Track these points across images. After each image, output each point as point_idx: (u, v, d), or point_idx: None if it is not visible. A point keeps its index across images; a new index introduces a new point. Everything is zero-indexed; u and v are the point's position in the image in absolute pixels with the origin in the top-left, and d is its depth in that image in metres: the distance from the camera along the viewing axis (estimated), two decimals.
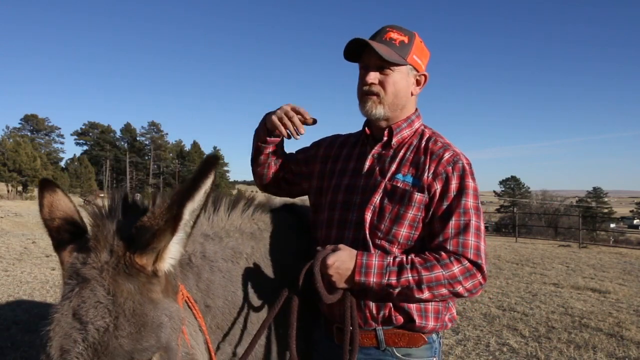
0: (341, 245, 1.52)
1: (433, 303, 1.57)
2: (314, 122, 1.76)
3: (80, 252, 1.16)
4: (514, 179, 74.74)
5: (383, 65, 1.58)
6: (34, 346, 4.49)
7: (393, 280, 1.45)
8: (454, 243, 1.48)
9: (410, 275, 1.45)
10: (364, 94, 1.63)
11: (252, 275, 1.61)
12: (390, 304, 1.54)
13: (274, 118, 1.69)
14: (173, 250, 1.17)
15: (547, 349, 4.93)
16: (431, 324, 1.56)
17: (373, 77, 1.60)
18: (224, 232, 1.60)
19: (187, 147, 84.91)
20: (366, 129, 1.74)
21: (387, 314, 1.54)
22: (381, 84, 1.61)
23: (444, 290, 1.46)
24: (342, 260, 1.48)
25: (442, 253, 1.48)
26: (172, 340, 1.17)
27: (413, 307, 1.54)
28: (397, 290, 1.47)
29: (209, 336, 1.39)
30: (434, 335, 1.61)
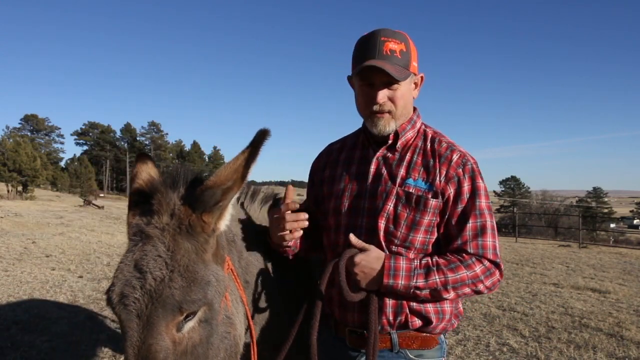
0: (372, 247, 1.52)
1: (449, 304, 1.58)
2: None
3: (145, 215, 1.31)
4: (514, 179, 74.72)
5: (390, 81, 1.53)
6: (34, 346, 4.49)
7: (421, 282, 1.46)
8: (474, 245, 1.51)
9: (437, 277, 1.46)
10: (375, 113, 1.58)
11: (276, 267, 1.78)
12: (407, 310, 1.55)
13: (278, 240, 1.62)
14: (229, 211, 1.36)
15: (547, 349, 4.92)
16: (442, 324, 1.58)
17: (383, 96, 1.55)
18: (257, 221, 1.78)
19: (187, 147, 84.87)
20: (366, 132, 1.69)
21: (403, 319, 1.55)
22: (391, 99, 1.56)
23: (467, 290, 1.50)
24: (368, 260, 1.48)
25: (464, 255, 1.51)
26: (216, 302, 1.31)
27: (431, 310, 1.55)
28: (423, 292, 1.48)
29: (248, 308, 1.52)
30: (442, 336, 1.63)
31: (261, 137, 1.30)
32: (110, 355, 4.41)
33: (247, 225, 1.71)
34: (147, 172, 1.44)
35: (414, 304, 1.55)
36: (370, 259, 1.48)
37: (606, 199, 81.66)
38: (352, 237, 1.52)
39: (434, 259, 1.51)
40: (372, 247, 1.51)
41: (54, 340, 4.64)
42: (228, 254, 1.48)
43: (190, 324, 1.25)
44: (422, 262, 1.50)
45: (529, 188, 74.23)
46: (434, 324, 1.55)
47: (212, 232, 1.32)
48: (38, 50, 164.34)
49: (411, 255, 1.55)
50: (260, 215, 1.81)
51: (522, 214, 41.07)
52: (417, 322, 1.55)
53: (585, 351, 4.86)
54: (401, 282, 1.46)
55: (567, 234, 29.93)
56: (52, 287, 6.94)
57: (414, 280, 1.46)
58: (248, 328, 1.53)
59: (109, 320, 5.41)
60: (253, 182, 1.88)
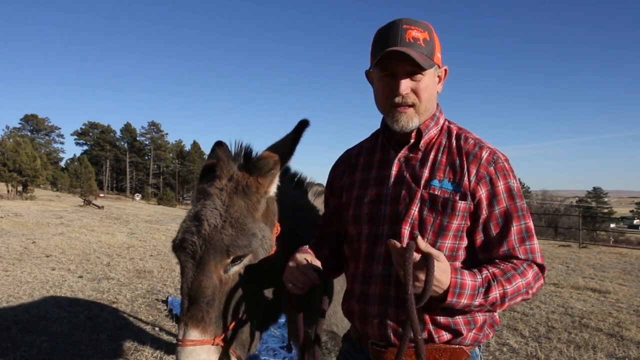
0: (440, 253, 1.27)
1: (481, 313, 1.44)
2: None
3: (209, 180, 1.59)
4: None
5: (414, 71, 1.40)
6: (34, 346, 4.49)
7: (481, 300, 1.30)
8: (523, 250, 1.39)
9: (497, 291, 1.31)
10: (396, 106, 1.43)
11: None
12: (430, 325, 1.40)
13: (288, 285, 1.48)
14: (277, 180, 1.64)
15: (547, 349, 4.92)
16: (473, 334, 1.44)
17: (406, 86, 1.41)
18: (305, 206, 2.00)
19: (187, 147, 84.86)
20: (386, 133, 1.56)
21: (426, 335, 1.40)
22: (414, 91, 1.43)
23: (519, 299, 1.36)
24: (445, 268, 1.24)
25: (515, 261, 1.37)
26: (261, 254, 1.54)
27: (461, 321, 1.41)
28: (478, 308, 1.32)
29: None
30: (477, 349, 1.48)
31: (302, 124, 1.60)
32: (110, 355, 4.41)
33: (300, 207, 1.94)
34: (218, 152, 1.72)
35: (441, 318, 1.39)
36: (446, 267, 1.24)
37: (606, 199, 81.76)
38: (420, 240, 1.22)
39: (490, 271, 1.34)
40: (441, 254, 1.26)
41: (54, 340, 4.64)
42: (279, 222, 1.69)
43: (236, 268, 1.47)
44: (484, 276, 1.32)
45: (529, 188, 74.35)
46: (464, 334, 1.41)
47: (264, 194, 1.58)
48: (38, 50, 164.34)
49: None
50: (303, 200, 2.03)
51: None
52: (445, 336, 1.41)
53: (585, 351, 4.86)
54: (464, 301, 1.28)
55: (567, 234, 29.95)
56: (52, 287, 6.94)
57: (476, 300, 1.29)
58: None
59: (109, 319, 5.41)
60: (319, 185, 2.19)
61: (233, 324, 1.47)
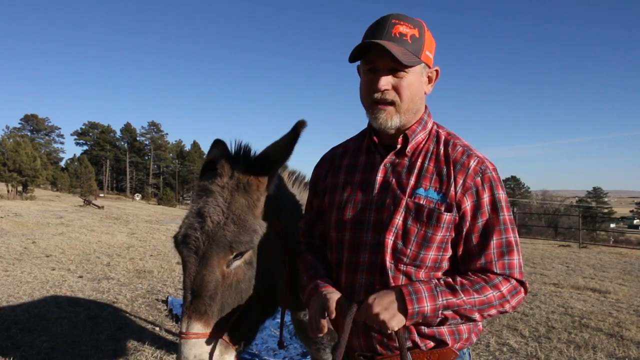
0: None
1: (465, 324, 1.44)
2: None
3: (210, 178, 1.62)
4: (514, 179, 74.96)
5: (396, 67, 1.36)
6: (34, 346, 4.49)
7: (450, 299, 1.30)
8: (500, 265, 1.37)
9: (463, 296, 1.31)
10: (376, 103, 1.40)
11: None
12: (416, 335, 1.39)
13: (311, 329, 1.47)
14: (275, 179, 1.67)
15: (547, 349, 4.92)
16: (459, 344, 1.45)
17: (385, 82, 1.37)
18: (303, 204, 2.01)
19: (187, 147, 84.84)
20: (373, 135, 1.52)
21: (411, 344, 1.40)
22: (395, 89, 1.39)
23: (493, 311, 1.37)
24: (381, 295, 1.32)
25: (489, 275, 1.37)
26: (261, 250, 1.57)
27: (445, 331, 1.41)
28: (452, 312, 1.32)
29: (287, 270, 1.73)
30: (465, 349, 1.49)
31: (300, 125, 1.61)
32: (110, 355, 4.41)
33: (298, 205, 1.98)
34: (217, 150, 1.76)
35: (425, 329, 1.38)
36: (381, 294, 1.32)
37: (606, 199, 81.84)
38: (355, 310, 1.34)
39: (457, 279, 1.35)
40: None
41: (54, 340, 4.64)
42: (276, 220, 1.72)
43: (237, 262, 1.51)
44: (442, 280, 1.35)
45: (529, 188, 74.52)
46: (450, 344, 1.42)
47: (264, 192, 1.61)
48: (38, 50, 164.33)
49: (421, 274, 1.39)
50: (301, 197, 2.05)
51: (522, 214, 41.05)
52: (431, 344, 1.41)
53: (585, 351, 4.86)
54: (427, 304, 1.28)
55: (567, 234, 29.97)
56: (52, 287, 6.94)
57: (441, 299, 1.29)
58: (285, 289, 1.72)
59: (109, 319, 5.41)
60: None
61: (234, 317, 1.50)
